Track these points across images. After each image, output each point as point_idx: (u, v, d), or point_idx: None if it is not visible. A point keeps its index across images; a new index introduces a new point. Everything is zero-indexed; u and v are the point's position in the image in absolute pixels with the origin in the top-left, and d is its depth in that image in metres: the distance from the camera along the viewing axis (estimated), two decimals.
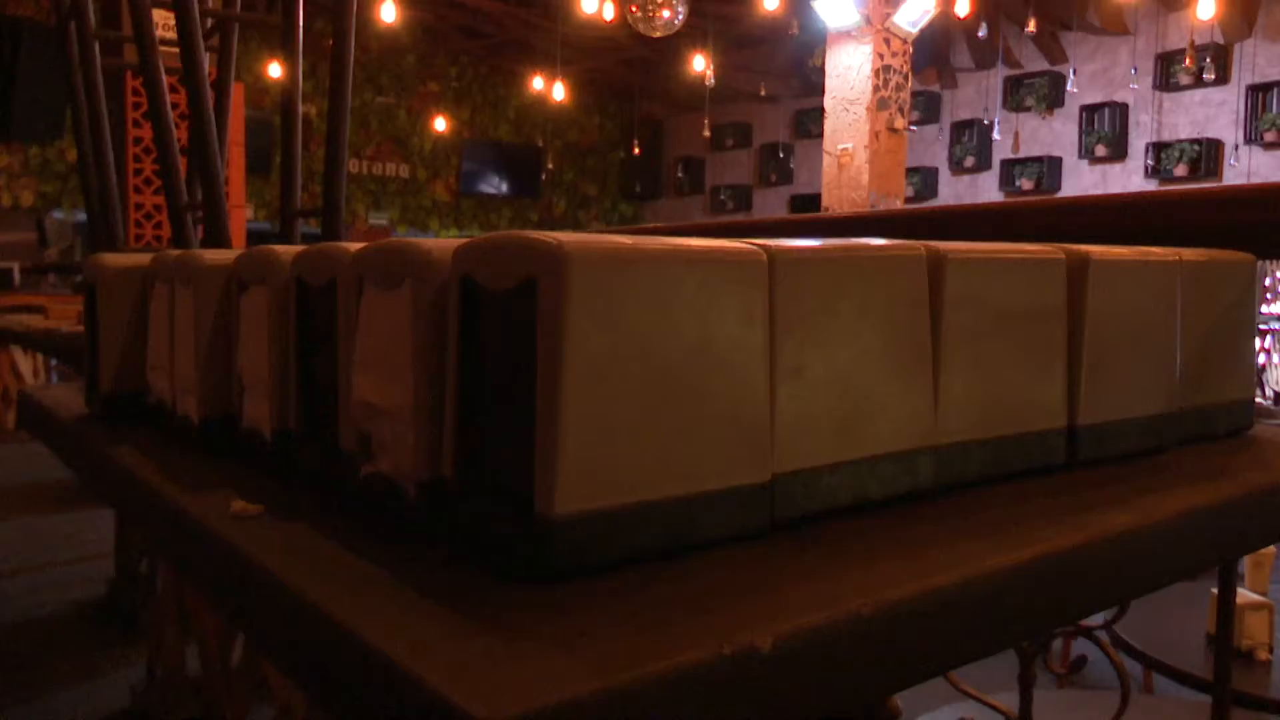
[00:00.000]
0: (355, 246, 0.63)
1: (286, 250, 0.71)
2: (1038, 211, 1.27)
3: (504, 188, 13.26)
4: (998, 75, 10.75)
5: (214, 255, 0.80)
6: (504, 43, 11.88)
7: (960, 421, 0.64)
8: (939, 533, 0.56)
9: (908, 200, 9.43)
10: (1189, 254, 0.81)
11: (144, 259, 0.97)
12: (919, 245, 0.62)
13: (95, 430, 0.91)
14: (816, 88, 9.69)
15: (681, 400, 0.49)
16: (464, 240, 0.52)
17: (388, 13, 8.97)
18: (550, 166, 13.55)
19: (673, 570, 0.48)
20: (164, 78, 1.84)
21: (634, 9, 7.49)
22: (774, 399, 0.53)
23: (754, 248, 0.53)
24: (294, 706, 2.03)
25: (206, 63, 1.74)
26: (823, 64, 7.60)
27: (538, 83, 11.08)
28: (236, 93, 4.29)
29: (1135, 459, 0.76)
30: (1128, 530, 0.57)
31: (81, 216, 10.15)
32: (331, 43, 1.93)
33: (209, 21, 2.37)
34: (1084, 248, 0.71)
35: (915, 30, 7.24)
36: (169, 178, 1.83)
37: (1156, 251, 0.78)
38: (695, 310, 0.50)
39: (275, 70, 10.04)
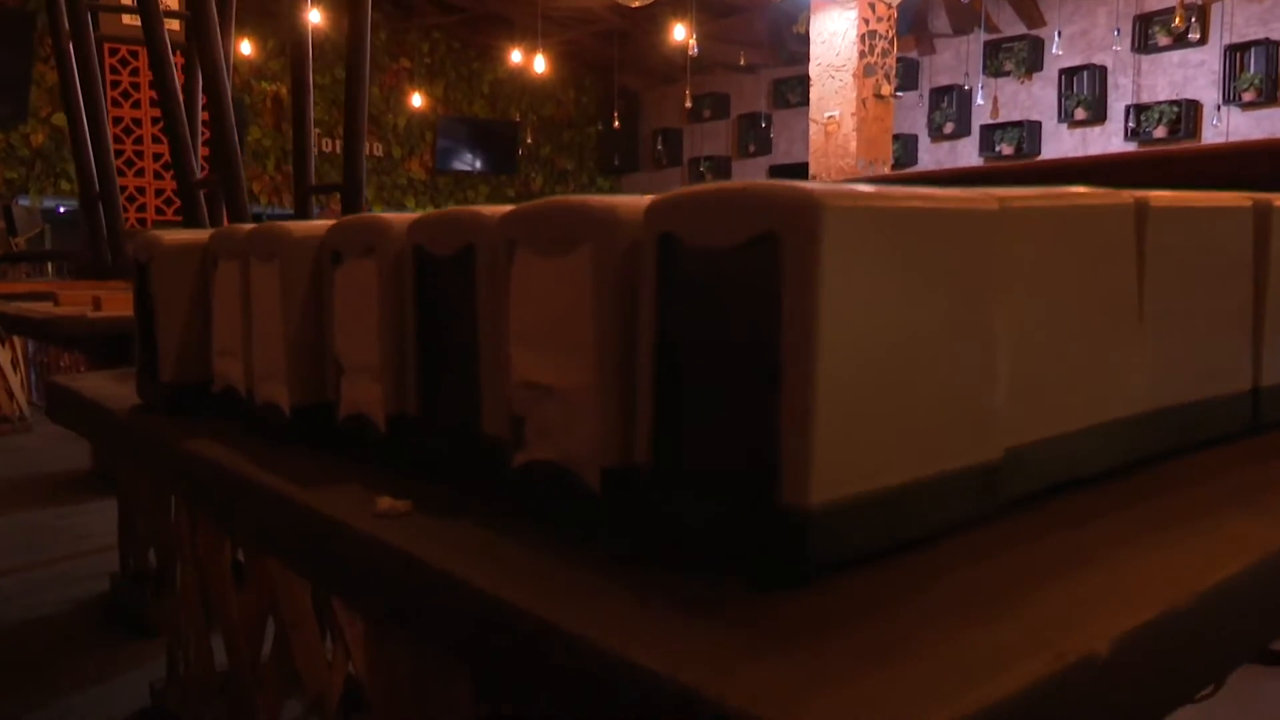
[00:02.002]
0: (495, 209, 0.57)
1: (399, 218, 0.64)
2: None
3: (480, 164, 13.06)
4: (977, 40, 10.69)
5: (300, 227, 0.73)
6: (477, 17, 11.66)
7: (1161, 386, 0.58)
8: (1186, 507, 0.50)
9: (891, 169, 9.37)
10: None
11: (201, 235, 0.89)
12: (1126, 194, 0.56)
13: (161, 424, 0.84)
14: (796, 56, 9.53)
15: (922, 369, 0.43)
16: (663, 194, 0.46)
17: None
18: (527, 141, 13.37)
19: (928, 563, 0.43)
20: (169, 48, 1.75)
21: None
22: (1002, 365, 0.48)
23: (986, 195, 0.47)
24: (326, 700, 1.96)
25: (219, 32, 1.65)
26: (806, 31, 7.51)
27: (515, 56, 10.90)
28: None
29: None
30: None
31: (49, 203, 9.89)
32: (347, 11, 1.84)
33: None
34: (1266, 195, 0.66)
35: None
36: (179, 154, 1.74)
37: None
38: (938, 266, 0.44)
39: (246, 48, 9.80)
